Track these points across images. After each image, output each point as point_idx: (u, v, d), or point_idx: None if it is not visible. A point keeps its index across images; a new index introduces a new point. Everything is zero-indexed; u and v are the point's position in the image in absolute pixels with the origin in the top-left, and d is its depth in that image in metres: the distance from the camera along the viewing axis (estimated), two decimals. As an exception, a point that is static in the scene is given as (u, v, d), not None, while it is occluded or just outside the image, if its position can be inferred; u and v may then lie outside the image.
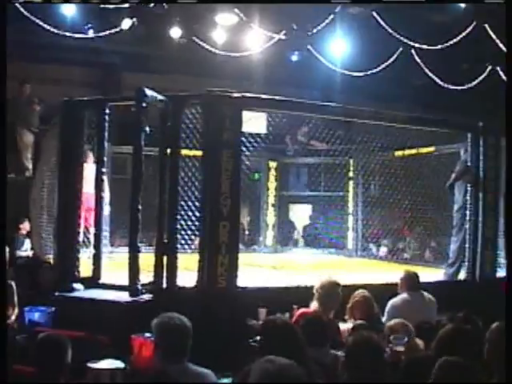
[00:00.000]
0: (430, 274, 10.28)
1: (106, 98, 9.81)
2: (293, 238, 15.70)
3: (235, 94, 8.14)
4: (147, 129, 7.83)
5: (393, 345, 5.19)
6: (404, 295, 7.48)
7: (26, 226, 12.18)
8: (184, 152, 8.82)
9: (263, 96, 8.63)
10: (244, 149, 9.46)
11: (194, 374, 4.34)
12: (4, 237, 6.01)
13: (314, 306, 6.75)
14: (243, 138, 9.04)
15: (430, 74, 14.99)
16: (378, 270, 11.42)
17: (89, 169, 9.19)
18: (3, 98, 5.93)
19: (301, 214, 15.99)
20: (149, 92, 7.85)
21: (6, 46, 5.65)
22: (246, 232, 15.51)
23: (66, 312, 7.74)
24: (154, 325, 4.48)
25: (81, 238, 9.22)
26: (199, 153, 8.60)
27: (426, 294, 7.59)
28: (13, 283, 9.06)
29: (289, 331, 4.25)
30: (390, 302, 7.36)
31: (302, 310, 6.78)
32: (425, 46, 14.35)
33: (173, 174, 8.16)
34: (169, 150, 8.18)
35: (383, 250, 14.07)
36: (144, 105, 7.77)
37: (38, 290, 8.64)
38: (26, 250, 12.09)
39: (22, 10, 11.90)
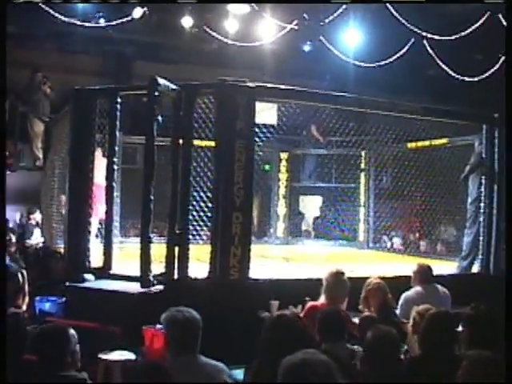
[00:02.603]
0: (443, 267, 10.20)
1: (118, 86, 9.72)
2: (302, 229, 15.65)
3: (249, 84, 8.05)
4: (159, 118, 7.75)
5: None
6: (417, 288, 7.40)
7: (36, 216, 12.16)
8: (197, 142, 8.76)
9: (277, 86, 8.55)
10: (256, 139, 9.38)
11: (204, 367, 4.30)
12: (4, 236, 5.95)
13: (322, 298, 6.67)
14: (256, 129, 8.96)
15: (443, 66, 14.86)
16: (389, 263, 11.36)
17: (96, 161, 9.09)
18: (3, 98, 5.90)
19: (311, 206, 15.91)
20: (161, 81, 7.77)
21: (5, 47, 5.62)
22: (257, 223, 15.47)
23: (77, 302, 7.73)
24: (163, 319, 4.46)
25: (92, 228, 9.18)
26: (212, 143, 8.53)
27: (440, 286, 7.52)
28: (24, 272, 9.05)
29: (295, 327, 4.17)
30: (404, 295, 7.29)
31: (311, 303, 6.71)
32: (438, 37, 14.22)
33: (185, 164, 8.08)
34: (181, 140, 8.10)
35: (395, 243, 14.01)
36: (156, 94, 7.69)
37: (48, 280, 8.62)
38: (35, 239, 12.06)
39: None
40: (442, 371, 4.18)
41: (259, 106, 9.20)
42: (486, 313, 4.77)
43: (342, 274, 6.65)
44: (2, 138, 5.94)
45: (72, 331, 4.33)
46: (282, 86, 8.55)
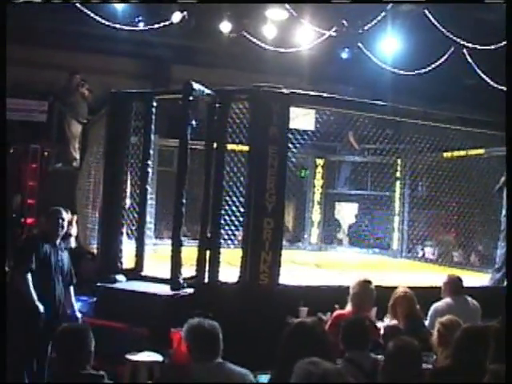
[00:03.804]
0: (476, 279, 10.11)
1: (154, 90, 9.86)
2: (337, 236, 15.60)
3: (283, 90, 8.08)
4: (193, 122, 7.82)
5: None
6: (447, 300, 7.33)
7: (68, 217, 12.24)
8: (230, 146, 8.80)
9: (311, 93, 8.56)
10: (291, 145, 9.39)
11: (228, 373, 4.32)
12: (5, 236, 6.09)
13: (348, 306, 6.66)
14: (290, 135, 8.98)
15: (483, 75, 14.72)
16: (422, 272, 11.28)
17: None
18: (3, 96, 6.07)
19: (346, 213, 15.85)
20: (196, 86, 7.83)
21: (5, 47, 5.79)
22: (291, 229, 15.49)
23: (108, 303, 7.82)
24: (184, 330, 4.50)
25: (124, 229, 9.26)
26: (245, 148, 8.57)
27: (470, 299, 7.44)
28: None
29: (314, 334, 4.16)
30: (433, 307, 7.23)
31: (338, 311, 6.71)
32: (477, 46, 14.08)
33: (218, 168, 8.13)
34: (215, 144, 8.16)
35: (428, 252, 13.89)
36: (191, 98, 7.76)
37: (80, 280, 8.72)
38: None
39: (75, 1, 12.03)
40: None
41: (297, 111, 9.24)
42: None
43: (369, 282, 6.63)
44: (3, 138, 6.06)
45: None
46: (316, 93, 8.56)
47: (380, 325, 6.76)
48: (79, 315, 7.12)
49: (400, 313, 6.75)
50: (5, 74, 6.00)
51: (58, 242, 6.95)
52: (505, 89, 14.47)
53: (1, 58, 5.90)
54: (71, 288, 7.19)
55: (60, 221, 6.89)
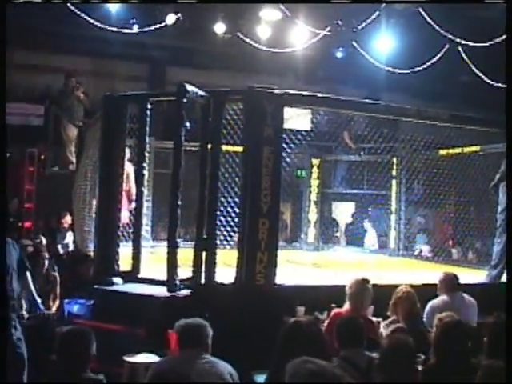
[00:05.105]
0: (473, 276, 10.12)
1: (148, 93, 9.86)
2: (335, 235, 15.62)
3: (277, 91, 8.08)
4: (187, 124, 7.82)
5: None
6: (443, 297, 7.36)
7: (67, 220, 12.32)
8: (225, 148, 8.81)
9: (305, 93, 8.57)
10: (286, 146, 9.40)
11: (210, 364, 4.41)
12: (4, 238, 6.06)
13: (346, 305, 6.68)
14: (285, 135, 9.00)
15: (478, 72, 14.74)
16: (419, 270, 11.29)
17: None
18: (3, 98, 6.09)
19: (344, 212, 15.89)
20: (190, 87, 7.83)
21: (5, 47, 5.81)
22: (288, 229, 15.50)
23: (105, 305, 7.83)
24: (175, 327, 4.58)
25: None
26: (240, 149, 8.58)
27: (466, 295, 7.47)
28: (57, 275, 9.20)
29: (308, 333, 4.18)
30: (429, 304, 7.25)
31: (337, 310, 6.73)
32: (472, 43, 14.11)
33: (213, 169, 8.14)
34: (210, 146, 8.17)
35: (425, 250, 13.91)
36: (185, 100, 7.76)
37: (78, 283, 8.74)
38: (67, 242, 12.21)
39: (68, 4, 12.06)
40: (455, 380, 4.18)
41: (294, 111, 9.25)
42: (505, 322, 4.75)
43: (367, 281, 6.66)
44: (3, 137, 6.08)
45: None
46: (309, 93, 8.56)
47: (382, 328, 6.79)
48: None
49: (400, 311, 6.78)
50: (4, 79, 6.01)
51: None
52: (500, 85, 14.60)
53: (1, 60, 5.90)
54: None
55: None
